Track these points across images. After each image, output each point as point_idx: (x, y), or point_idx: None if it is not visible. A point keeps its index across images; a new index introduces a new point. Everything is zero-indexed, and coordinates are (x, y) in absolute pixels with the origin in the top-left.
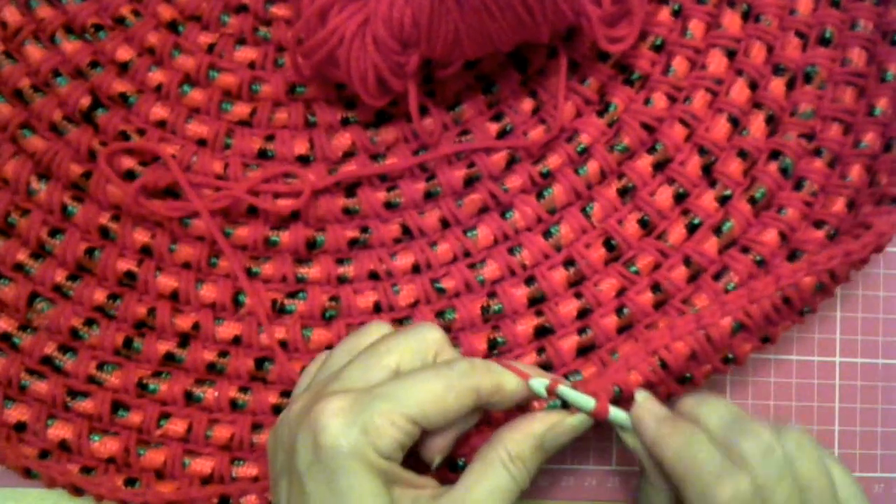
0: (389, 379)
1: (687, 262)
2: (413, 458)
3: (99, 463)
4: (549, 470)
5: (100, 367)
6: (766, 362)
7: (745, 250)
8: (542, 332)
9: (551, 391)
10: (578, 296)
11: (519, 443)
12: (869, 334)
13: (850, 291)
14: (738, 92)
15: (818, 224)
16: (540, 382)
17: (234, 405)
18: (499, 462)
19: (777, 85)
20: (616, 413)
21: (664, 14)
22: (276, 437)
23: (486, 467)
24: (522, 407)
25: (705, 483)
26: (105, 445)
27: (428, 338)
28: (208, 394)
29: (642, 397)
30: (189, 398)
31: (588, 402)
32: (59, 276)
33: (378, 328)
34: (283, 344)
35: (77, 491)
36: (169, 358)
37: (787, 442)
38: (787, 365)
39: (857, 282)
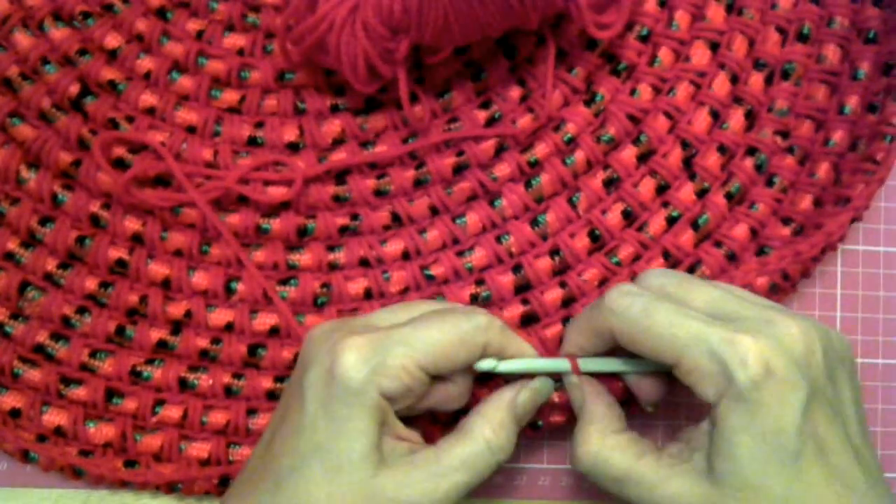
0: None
1: (665, 254)
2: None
3: (96, 448)
4: (549, 470)
5: (92, 354)
6: None
7: (718, 244)
8: (527, 320)
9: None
10: (563, 285)
11: (497, 410)
12: (869, 334)
13: (850, 291)
14: (720, 85)
15: (786, 221)
16: (488, 363)
17: (228, 391)
18: (479, 431)
19: (757, 80)
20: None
21: (651, 4)
22: (302, 348)
23: (465, 434)
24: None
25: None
26: (101, 431)
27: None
28: (202, 380)
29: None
30: (183, 385)
31: (563, 363)
32: (50, 265)
33: None
34: (275, 330)
35: (76, 473)
36: (161, 345)
37: None
38: None
39: (857, 282)
